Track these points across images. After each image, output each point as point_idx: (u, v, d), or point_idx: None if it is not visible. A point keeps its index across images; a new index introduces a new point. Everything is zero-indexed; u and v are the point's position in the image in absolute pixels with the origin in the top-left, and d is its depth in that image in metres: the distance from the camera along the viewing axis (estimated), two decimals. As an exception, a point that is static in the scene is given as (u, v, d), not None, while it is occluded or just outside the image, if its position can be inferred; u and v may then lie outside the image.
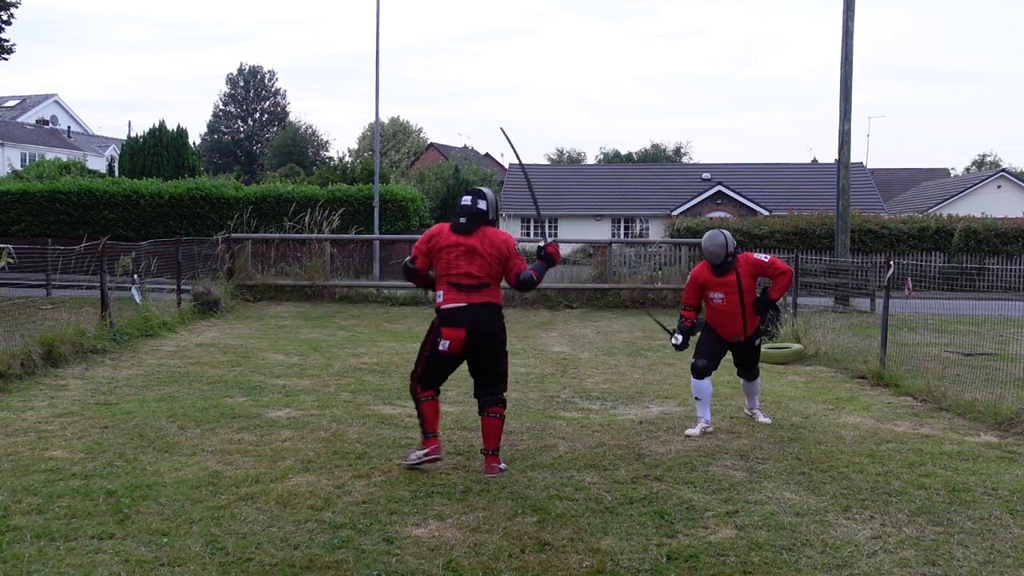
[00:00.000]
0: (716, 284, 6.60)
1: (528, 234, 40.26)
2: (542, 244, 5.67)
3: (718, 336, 6.79)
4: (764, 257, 6.70)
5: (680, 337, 6.86)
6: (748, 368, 7.00)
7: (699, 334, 6.94)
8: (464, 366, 5.78)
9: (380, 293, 17.44)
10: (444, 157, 54.25)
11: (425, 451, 5.63)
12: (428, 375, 5.69)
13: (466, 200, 5.68)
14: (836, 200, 18.12)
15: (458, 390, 8.26)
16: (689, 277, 6.92)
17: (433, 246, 5.65)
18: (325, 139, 76.06)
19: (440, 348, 5.58)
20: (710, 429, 6.77)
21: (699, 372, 6.69)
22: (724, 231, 6.67)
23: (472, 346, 5.58)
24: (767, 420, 7.11)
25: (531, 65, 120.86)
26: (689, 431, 6.72)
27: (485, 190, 5.74)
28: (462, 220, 5.64)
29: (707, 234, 6.63)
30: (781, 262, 6.66)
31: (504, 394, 5.73)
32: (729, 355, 7.10)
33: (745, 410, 7.39)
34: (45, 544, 4.27)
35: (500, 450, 5.72)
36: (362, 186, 23.00)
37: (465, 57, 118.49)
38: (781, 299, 6.96)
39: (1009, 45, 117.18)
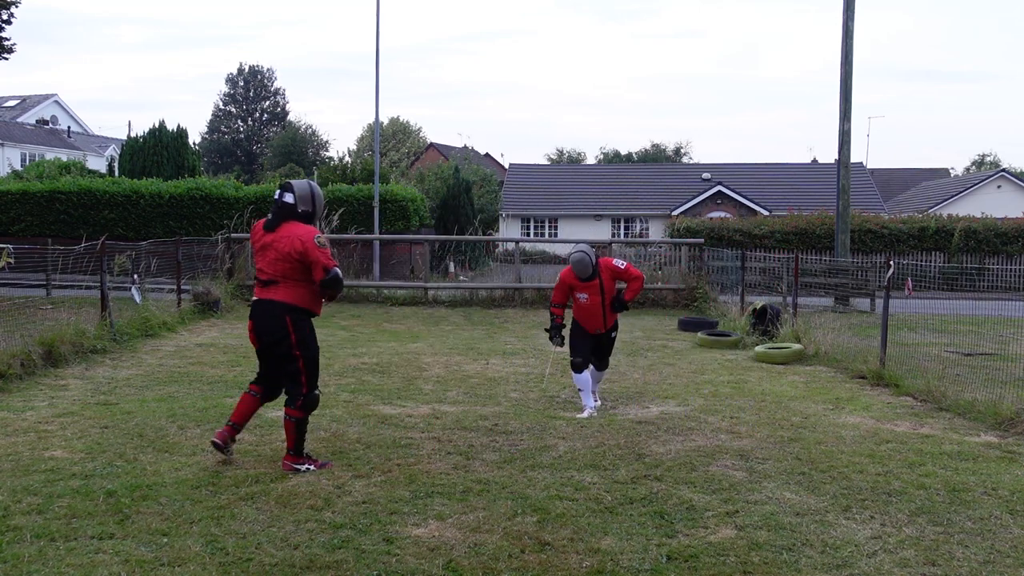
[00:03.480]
0: (582, 287, 7.68)
1: (528, 234, 40.27)
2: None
3: (584, 332, 7.78)
4: (620, 263, 7.80)
5: (560, 340, 7.89)
6: (603, 358, 7.99)
7: (568, 335, 7.87)
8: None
9: (380, 293, 17.45)
10: (444, 157, 54.17)
11: (217, 431, 5.76)
12: (261, 367, 5.80)
13: (276, 194, 5.67)
14: (836, 200, 18.13)
15: (458, 390, 8.26)
16: (558, 279, 7.88)
17: (252, 243, 5.76)
18: (325, 139, 76.13)
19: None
20: (596, 407, 7.66)
21: (578, 368, 7.64)
22: (586, 249, 7.64)
23: (259, 341, 5.65)
24: (591, 409, 7.53)
25: (531, 65, 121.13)
26: (579, 415, 7.41)
27: (296, 182, 5.68)
28: (269, 216, 5.65)
29: (574, 256, 7.61)
30: (635, 269, 7.85)
31: (302, 396, 5.60)
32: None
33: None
34: (45, 544, 4.27)
35: (302, 451, 5.64)
36: (362, 186, 22.94)
37: (465, 57, 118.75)
38: (633, 300, 7.95)
39: (1009, 45, 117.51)
